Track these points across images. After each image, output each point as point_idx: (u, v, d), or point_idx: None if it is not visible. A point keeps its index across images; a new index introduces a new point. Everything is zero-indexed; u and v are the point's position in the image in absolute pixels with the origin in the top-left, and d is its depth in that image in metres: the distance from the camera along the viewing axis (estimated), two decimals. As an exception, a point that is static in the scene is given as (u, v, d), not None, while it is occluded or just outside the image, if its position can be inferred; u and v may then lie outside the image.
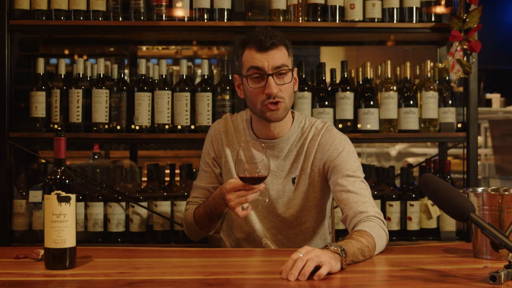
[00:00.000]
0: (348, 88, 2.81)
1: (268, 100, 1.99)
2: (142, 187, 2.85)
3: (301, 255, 1.53)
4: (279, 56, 2.00)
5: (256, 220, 2.13)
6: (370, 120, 2.80)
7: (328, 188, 2.11)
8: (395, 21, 2.81)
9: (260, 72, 2.00)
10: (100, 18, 2.74)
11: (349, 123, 2.81)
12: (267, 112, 2.02)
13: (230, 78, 2.76)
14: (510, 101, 6.84)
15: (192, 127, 2.76)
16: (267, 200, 1.96)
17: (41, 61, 2.72)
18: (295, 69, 2.09)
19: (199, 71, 2.90)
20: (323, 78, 2.84)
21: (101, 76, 2.73)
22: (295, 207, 2.11)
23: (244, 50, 2.04)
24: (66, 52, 3.91)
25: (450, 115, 2.83)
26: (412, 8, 2.80)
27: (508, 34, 8.38)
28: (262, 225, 2.14)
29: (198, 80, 2.86)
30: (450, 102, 2.83)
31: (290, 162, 2.11)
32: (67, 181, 1.63)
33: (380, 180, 2.89)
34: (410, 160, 5.48)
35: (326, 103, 2.80)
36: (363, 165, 2.90)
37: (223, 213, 2.09)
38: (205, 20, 2.75)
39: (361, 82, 2.87)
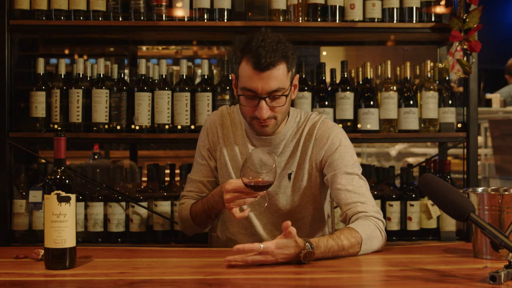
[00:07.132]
0: (348, 88, 2.81)
1: (257, 120, 1.97)
2: (142, 187, 2.85)
3: (262, 247, 1.62)
4: (276, 78, 1.90)
5: (252, 216, 2.12)
6: (370, 120, 2.80)
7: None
8: (395, 21, 2.81)
9: (253, 94, 1.93)
10: (100, 18, 2.74)
11: (349, 123, 2.81)
12: (256, 126, 2.02)
13: (230, 78, 2.76)
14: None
15: (192, 127, 2.76)
16: (266, 204, 1.93)
17: (41, 61, 2.72)
18: (296, 76, 2.03)
19: (199, 71, 2.90)
20: (323, 78, 2.84)
21: (101, 76, 2.73)
22: (291, 202, 2.11)
23: (242, 59, 1.93)
24: (66, 52, 3.92)
25: (450, 115, 2.83)
26: (412, 8, 2.80)
27: (508, 34, 8.39)
28: (258, 221, 2.13)
29: (198, 80, 2.86)
30: (450, 102, 2.83)
31: (286, 158, 2.10)
32: (67, 181, 1.63)
33: (380, 180, 2.88)
34: (410, 160, 5.48)
35: (326, 103, 2.80)
36: (363, 165, 2.91)
37: (221, 212, 2.08)
38: (205, 20, 2.75)
39: (361, 82, 2.87)
